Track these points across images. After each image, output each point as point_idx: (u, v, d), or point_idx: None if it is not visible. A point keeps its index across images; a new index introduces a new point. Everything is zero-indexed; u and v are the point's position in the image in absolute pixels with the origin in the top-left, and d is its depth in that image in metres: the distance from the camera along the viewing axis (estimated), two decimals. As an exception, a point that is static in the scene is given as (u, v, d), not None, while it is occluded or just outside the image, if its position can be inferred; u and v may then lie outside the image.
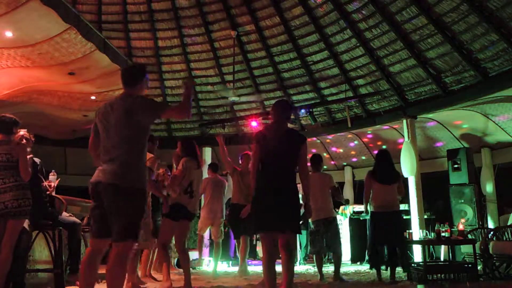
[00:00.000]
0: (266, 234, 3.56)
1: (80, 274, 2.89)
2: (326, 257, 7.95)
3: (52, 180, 4.76)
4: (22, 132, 4.32)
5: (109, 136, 2.89)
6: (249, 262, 8.77)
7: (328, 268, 7.13)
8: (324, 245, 5.66)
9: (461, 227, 6.00)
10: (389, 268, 5.58)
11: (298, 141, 3.71)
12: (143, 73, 3.10)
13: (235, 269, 7.66)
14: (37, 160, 4.41)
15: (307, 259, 8.62)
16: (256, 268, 7.36)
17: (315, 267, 6.43)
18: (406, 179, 8.19)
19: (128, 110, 2.85)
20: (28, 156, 4.03)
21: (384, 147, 10.21)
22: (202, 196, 6.78)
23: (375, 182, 5.54)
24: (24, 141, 4.06)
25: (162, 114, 2.98)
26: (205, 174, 9.91)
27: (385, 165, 5.63)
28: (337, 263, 5.71)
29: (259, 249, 9.70)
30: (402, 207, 8.32)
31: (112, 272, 2.70)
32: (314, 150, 10.71)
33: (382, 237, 5.50)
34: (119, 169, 2.79)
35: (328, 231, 5.65)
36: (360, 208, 8.36)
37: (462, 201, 7.95)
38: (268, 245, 3.53)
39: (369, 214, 5.80)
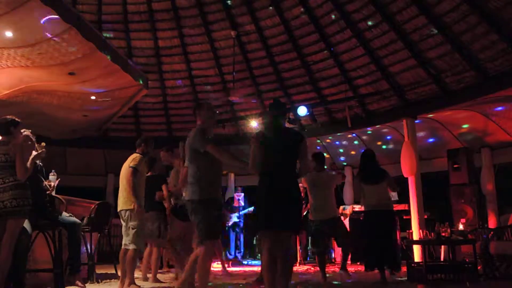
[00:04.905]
0: (266, 234, 3.51)
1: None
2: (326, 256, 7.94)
3: (52, 180, 4.77)
4: (27, 132, 4.32)
5: None
6: (249, 262, 8.81)
7: (328, 268, 7.13)
8: (334, 244, 5.65)
9: (461, 227, 6.00)
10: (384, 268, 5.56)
11: (296, 139, 3.66)
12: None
13: (235, 268, 7.68)
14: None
15: (308, 259, 8.61)
16: (255, 268, 7.36)
17: (315, 266, 6.43)
18: (406, 179, 8.19)
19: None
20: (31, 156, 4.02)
21: (384, 147, 10.22)
22: None
23: (363, 183, 5.51)
24: (29, 142, 4.06)
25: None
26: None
27: (371, 165, 5.61)
28: (346, 254, 5.80)
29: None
30: (402, 207, 8.36)
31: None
32: (319, 147, 10.74)
33: (374, 236, 5.45)
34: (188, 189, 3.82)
35: (337, 230, 5.62)
36: (360, 208, 8.35)
37: (462, 201, 7.94)
38: (269, 244, 3.45)
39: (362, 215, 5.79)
